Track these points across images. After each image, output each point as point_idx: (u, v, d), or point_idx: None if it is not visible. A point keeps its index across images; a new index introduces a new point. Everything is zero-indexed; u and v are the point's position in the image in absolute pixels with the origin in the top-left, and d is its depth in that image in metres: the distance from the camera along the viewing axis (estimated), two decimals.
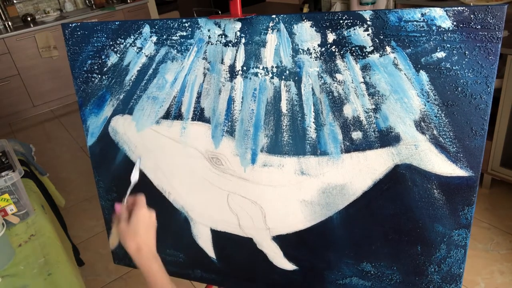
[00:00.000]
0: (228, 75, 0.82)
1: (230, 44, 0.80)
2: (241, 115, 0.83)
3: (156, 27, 0.85)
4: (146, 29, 0.86)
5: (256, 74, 0.79)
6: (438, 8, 0.64)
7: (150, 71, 0.88)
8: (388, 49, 0.68)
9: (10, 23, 3.91)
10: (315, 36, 0.73)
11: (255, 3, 3.88)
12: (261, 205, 0.88)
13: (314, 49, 0.73)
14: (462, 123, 0.68)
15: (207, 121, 0.86)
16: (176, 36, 0.84)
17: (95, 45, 0.91)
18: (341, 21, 0.70)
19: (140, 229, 0.73)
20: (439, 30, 0.65)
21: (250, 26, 0.77)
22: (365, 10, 0.68)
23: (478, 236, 1.81)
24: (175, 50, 0.84)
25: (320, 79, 0.75)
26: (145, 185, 0.98)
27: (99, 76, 0.93)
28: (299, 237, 0.88)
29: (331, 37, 0.72)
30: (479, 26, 0.62)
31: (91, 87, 0.94)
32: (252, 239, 0.93)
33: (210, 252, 0.99)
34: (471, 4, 0.88)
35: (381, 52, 0.69)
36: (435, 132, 0.70)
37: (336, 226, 0.83)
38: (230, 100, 0.83)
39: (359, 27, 0.69)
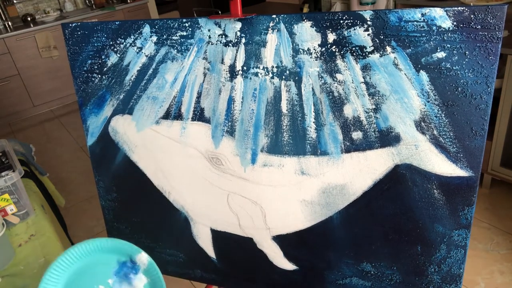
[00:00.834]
0: (228, 75, 0.82)
1: (230, 44, 0.80)
2: (241, 115, 0.83)
3: (156, 27, 0.85)
4: (146, 29, 0.86)
5: (256, 74, 0.79)
6: (438, 8, 0.64)
7: (150, 71, 0.88)
8: (389, 49, 0.68)
9: (10, 23, 3.91)
10: (315, 36, 0.73)
11: (255, 3, 3.88)
12: (261, 205, 0.88)
13: (314, 49, 0.74)
14: (462, 123, 0.68)
15: (207, 121, 0.86)
16: (176, 36, 0.84)
17: (95, 45, 0.91)
18: (341, 21, 0.70)
19: None
20: (439, 30, 0.65)
21: (251, 26, 0.77)
22: (365, 10, 0.68)
23: (478, 236, 1.81)
24: (175, 50, 0.84)
25: (320, 79, 0.75)
26: (145, 185, 0.98)
27: (99, 76, 0.93)
28: (299, 237, 0.88)
29: (331, 37, 0.72)
30: (479, 26, 0.62)
31: (91, 87, 0.94)
32: (252, 239, 0.93)
33: (210, 252, 0.99)
34: (471, 4, 0.88)
35: (381, 52, 0.69)
36: (435, 132, 0.70)
37: (336, 226, 0.84)
38: (230, 100, 0.83)
39: (359, 27, 0.69)
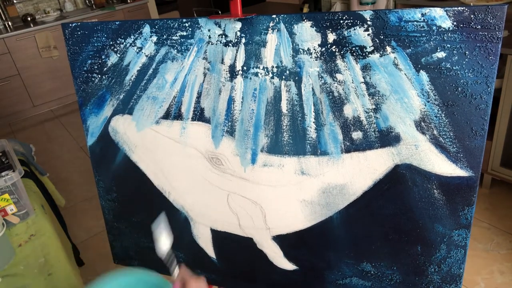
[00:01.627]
0: (228, 75, 0.82)
1: (230, 44, 0.80)
2: (241, 115, 0.83)
3: (156, 27, 0.85)
4: (146, 29, 0.86)
5: (256, 74, 0.79)
6: (438, 8, 0.64)
7: (150, 71, 0.88)
8: (389, 49, 0.68)
9: (10, 23, 3.91)
10: (315, 36, 0.73)
11: (255, 3, 3.88)
12: (261, 205, 0.88)
13: (314, 49, 0.73)
14: (462, 123, 0.68)
15: (207, 121, 0.86)
16: (176, 36, 0.84)
17: (95, 45, 0.91)
18: (341, 21, 0.70)
19: None
20: (439, 30, 0.65)
21: (251, 26, 0.77)
22: (365, 10, 0.68)
23: (478, 236, 1.81)
24: (175, 50, 0.84)
25: (320, 79, 0.75)
26: (145, 185, 0.98)
27: (99, 76, 0.93)
28: (299, 237, 0.88)
29: (331, 37, 0.72)
30: (479, 26, 0.62)
31: (91, 87, 0.94)
32: (252, 239, 0.93)
33: (210, 252, 0.99)
34: (471, 4, 0.88)
35: (381, 52, 0.69)
36: (435, 132, 0.70)
37: (336, 226, 0.83)
38: (230, 100, 0.83)
39: (359, 27, 0.69)
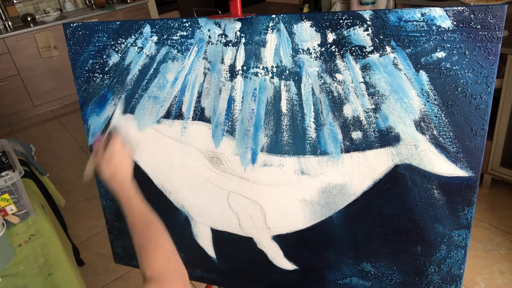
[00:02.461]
0: (228, 74, 0.82)
1: (230, 44, 0.80)
2: (241, 114, 0.83)
3: (157, 27, 0.85)
4: (147, 29, 0.86)
5: (256, 74, 0.79)
6: (438, 8, 0.64)
7: (151, 70, 0.88)
8: (388, 49, 0.68)
9: (10, 23, 3.91)
10: (315, 36, 0.73)
11: (255, 3, 3.88)
12: (261, 205, 0.88)
13: (314, 49, 0.74)
14: (462, 123, 0.68)
15: (207, 120, 0.86)
16: (176, 36, 0.84)
17: (97, 44, 0.91)
18: (341, 21, 0.70)
19: (114, 158, 0.80)
20: (439, 30, 0.65)
21: (250, 26, 0.77)
22: (365, 10, 0.68)
23: (478, 236, 1.82)
24: (176, 50, 0.85)
25: (320, 79, 0.75)
26: (146, 184, 0.98)
27: (101, 75, 0.93)
28: (299, 236, 0.88)
29: (331, 37, 0.72)
30: (479, 26, 0.62)
31: (92, 86, 0.94)
32: (252, 238, 0.93)
33: (211, 251, 0.99)
34: (471, 4, 0.88)
35: (381, 52, 0.69)
36: (435, 132, 0.70)
37: (336, 226, 0.84)
38: (231, 100, 0.83)
39: (359, 27, 0.69)
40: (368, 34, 0.69)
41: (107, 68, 0.91)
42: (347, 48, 0.71)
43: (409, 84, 0.69)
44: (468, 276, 1.62)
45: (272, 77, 0.78)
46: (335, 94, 0.74)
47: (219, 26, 0.80)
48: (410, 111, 0.70)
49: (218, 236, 0.96)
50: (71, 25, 0.91)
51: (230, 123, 0.84)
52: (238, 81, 0.81)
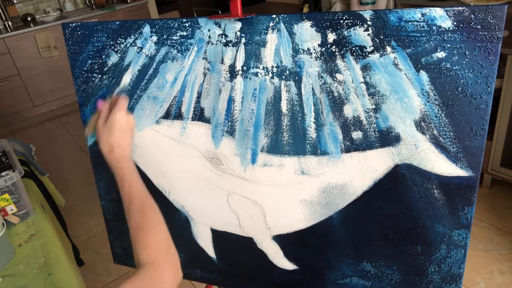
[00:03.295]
0: (228, 75, 0.82)
1: (230, 44, 0.80)
2: (241, 115, 0.83)
3: (157, 27, 0.85)
4: (147, 29, 0.86)
5: (256, 74, 0.79)
6: (438, 8, 0.64)
7: (151, 70, 0.88)
8: (389, 49, 0.68)
9: (10, 23, 3.91)
10: (315, 36, 0.73)
11: (255, 3, 3.88)
12: (261, 205, 0.88)
13: (314, 49, 0.74)
14: (462, 123, 0.68)
15: (207, 121, 0.86)
16: (176, 36, 0.84)
17: (96, 44, 0.91)
18: (341, 21, 0.70)
19: (115, 130, 0.76)
20: (440, 30, 0.65)
21: (250, 26, 0.77)
22: (365, 10, 0.68)
23: (478, 236, 1.82)
24: (175, 50, 0.84)
25: (320, 79, 0.75)
26: (145, 185, 0.98)
27: (100, 75, 0.93)
28: (299, 236, 0.88)
29: (331, 37, 0.72)
30: (479, 26, 0.62)
31: (91, 86, 0.94)
32: (252, 238, 0.93)
33: (211, 252, 0.99)
34: (471, 4, 0.88)
35: (381, 52, 0.69)
36: (435, 132, 0.70)
37: (336, 226, 0.84)
38: (230, 100, 0.83)
39: (359, 27, 0.69)
40: (368, 34, 0.69)
41: (106, 68, 0.91)
42: (347, 48, 0.71)
43: (410, 84, 0.69)
44: (468, 276, 1.62)
45: (272, 77, 0.78)
46: (336, 94, 0.74)
47: (219, 26, 0.80)
48: (411, 111, 0.70)
49: (218, 236, 0.96)
50: (70, 25, 0.91)
51: (230, 123, 0.84)
52: (238, 81, 0.81)
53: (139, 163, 0.96)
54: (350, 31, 0.70)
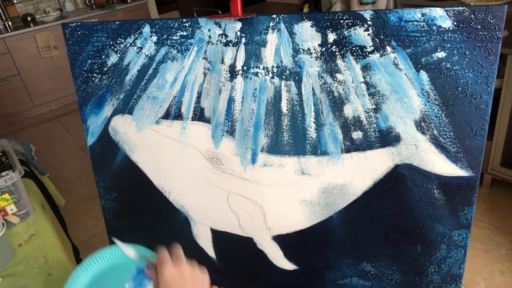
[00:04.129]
0: (229, 75, 0.82)
1: (230, 44, 0.80)
2: (241, 115, 0.83)
3: (156, 26, 0.85)
4: (146, 29, 0.86)
5: (256, 74, 0.79)
6: (439, 8, 0.64)
7: (150, 70, 0.88)
8: (389, 49, 0.68)
9: (10, 23, 3.91)
10: (315, 36, 0.73)
11: (255, 3, 3.88)
12: (261, 205, 0.88)
13: (314, 49, 0.74)
14: (462, 123, 0.68)
15: (207, 121, 0.86)
16: (176, 36, 0.84)
17: (95, 44, 0.91)
18: (341, 21, 0.70)
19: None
20: (440, 30, 0.65)
21: (251, 26, 0.77)
22: (365, 10, 0.68)
23: (478, 236, 1.82)
24: (175, 50, 0.84)
25: (320, 79, 0.75)
26: (145, 185, 0.98)
27: (99, 75, 0.93)
28: (299, 237, 0.88)
29: (331, 37, 0.72)
30: (479, 26, 0.62)
31: (91, 86, 0.94)
32: (252, 238, 0.93)
33: (210, 252, 0.99)
34: (471, 4, 0.88)
35: (381, 52, 0.69)
36: (435, 132, 0.70)
37: (336, 226, 0.84)
38: (230, 100, 0.83)
39: (359, 27, 0.69)
40: (368, 34, 0.69)
41: (105, 68, 0.91)
42: (347, 48, 0.71)
43: (410, 84, 0.69)
44: (468, 276, 1.62)
45: (272, 77, 0.78)
46: (336, 94, 0.74)
47: (219, 26, 0.80)
48: (411, 111, 0.70)
49: (218, 237, 0.96)
50: (70, 25, 0.91)
51: (230, 123, 0.84)
52: (238, 81, 0.81)
53: (139, 163, 0.96)
54: (350, 31, 0.70)
